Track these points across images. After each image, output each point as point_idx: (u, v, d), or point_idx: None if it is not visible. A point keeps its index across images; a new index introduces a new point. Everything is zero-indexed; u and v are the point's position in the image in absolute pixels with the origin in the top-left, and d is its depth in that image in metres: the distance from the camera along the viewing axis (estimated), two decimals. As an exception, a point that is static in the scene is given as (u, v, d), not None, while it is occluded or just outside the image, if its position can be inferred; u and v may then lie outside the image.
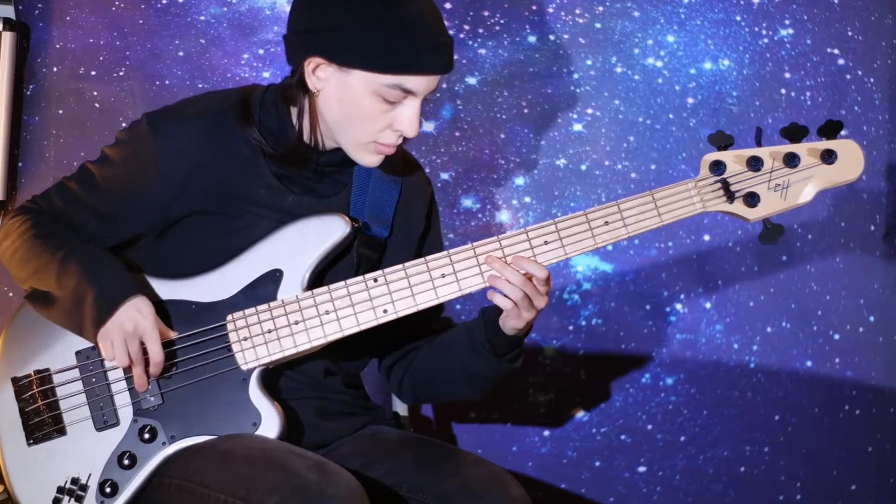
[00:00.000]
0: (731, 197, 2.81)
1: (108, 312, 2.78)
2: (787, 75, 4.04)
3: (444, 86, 3.92)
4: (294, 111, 2.87)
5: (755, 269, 4.06)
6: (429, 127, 3.96)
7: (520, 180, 4.01)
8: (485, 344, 2.92)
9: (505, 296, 2.81)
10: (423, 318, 2.92)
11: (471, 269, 2.82)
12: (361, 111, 2.76)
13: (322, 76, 2.78)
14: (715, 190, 2.81)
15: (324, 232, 2.86)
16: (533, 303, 2.82)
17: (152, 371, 2.81)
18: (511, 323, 2.86)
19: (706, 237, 4.03)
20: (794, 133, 2.80)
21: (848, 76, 4.06)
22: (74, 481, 2.84)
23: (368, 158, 2.84)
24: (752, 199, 2.80)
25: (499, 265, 2.81)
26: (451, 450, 3.00)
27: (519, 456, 4.07)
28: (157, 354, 2.79)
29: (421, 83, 2.75)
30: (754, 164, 2.80)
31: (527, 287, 2.80)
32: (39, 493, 2.86)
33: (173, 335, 2.84)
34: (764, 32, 4.03)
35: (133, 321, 2.77)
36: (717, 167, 2.81)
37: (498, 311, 2.88)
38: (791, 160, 2.80)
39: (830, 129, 2.80)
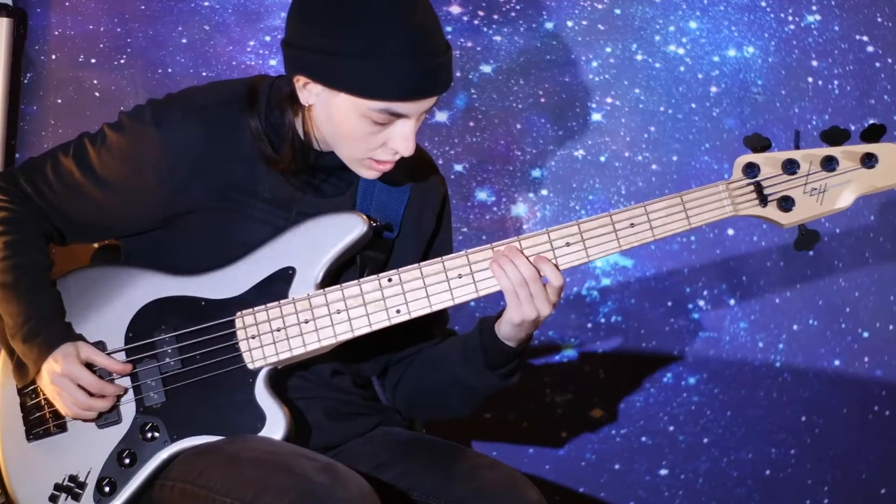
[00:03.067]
0: (764, 200, 2.77)
1: (38, 376, 2.87)
2: (815, 63, 4.03)
3: (458, 74, 3.91)
4: (297, 114, 2.87)
5: (781, 265, 4.04)
6: (442, 117, 3.96)
7: (536, 172, 4.00)
8: (477, 351, 2.90)
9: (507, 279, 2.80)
10: (425, 323, 2.91)
11: (489, 270, 2.81)
12: (351, 132, 2.76)
13: (312, 92, 2.77)
14: (747, 193, 2.78)
15: (340, 230, 2.85)
16: (534, 301, 2.80)
17: (110, 393, 2.85)
18: (510, 315, 2.82)
19: (730, 231, 4.02)
20: (835, 137, 2.76)
21: (877, 64, 4.04)
22: (72, 479, 2.85)
23: (365, 172, 2.84)
24: (786, 204, 2.76)
25: (515, 256, 2.79)
26: (465, 452, 2.99)
27: (535, 458, 4.06)
28: (92, 385, 2.83)
29: (411, 107, 2.73)
30: (789, 167, 2.76)
31: (534, 286, 2.79)
32: (36, 489, 2.87)
33: (113, 365, 2.86)
34: (790, 18, 4.02)
35: (58, 380, 2.83)
36: (751, 169, 2.77)
37: (495, 320, 2.86)
38: (828, 163, 2.75)
39: (873, 134, 2.75)
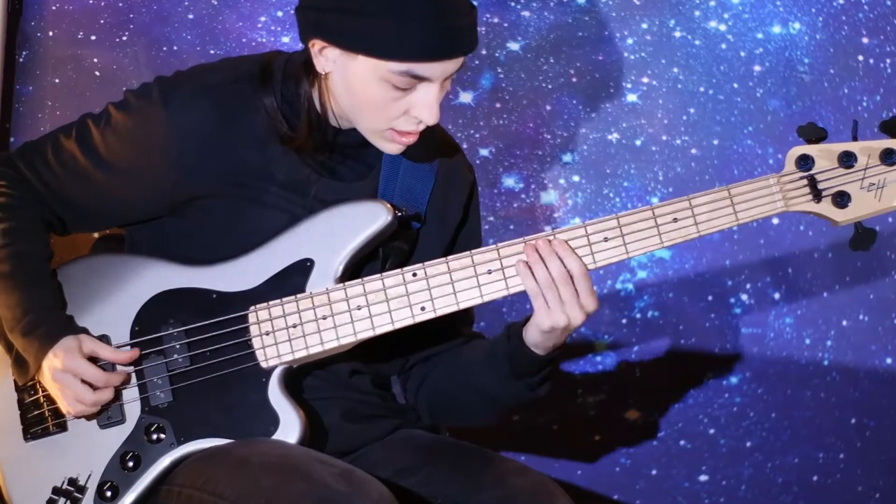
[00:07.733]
0: (818, 196, 2.75)
1: (38, 372, 2.86)
2: (865, 40, 4.02)
3: (484, 52, 3.91)
4: (313, 86, 2.86)
5: (829, 257, 4.04)
6: (467, 98, 3.96)
7: (567, 157, 4.00)
8: (503, 359, 2.89)
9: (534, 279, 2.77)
10: (450, 321, 2.89)
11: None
12: (371, 99, 2.75)
13: (329, 57, 2.77)
14: (800, 187, 2.76)
15: (362, 220, 2.84)
16: (564, 306, 2.75)
17: (117, 384, 2.85)
18: (539, 320, 2.79)
19: (775, 221, 4.01)
20: (895, 127, 2.75)
21: (933, 41, 4.04)
22: (72, 482, 2.85)
23: (388, 146, 2.83)
24: (841, 199, 2.74)
25: (548, 254, 2.77)
26: (492, 456, 2.98)
27: (566, 463, 4.07)
28: (97, 379, 2.82)
29: (434, 69, 2.72)
30: (846, 160, 2.74)
31: (564, 289, 2.75)
32: (33, 492, 2.87)
33: (120, 355, 2.86)
34: (839, -8, 4.01)
35: (60, 376, 2.82)
36: (804, 162, 2.75)
37: (523, 324, 2.84)
38: (888, 157, 2.73)
39: None
